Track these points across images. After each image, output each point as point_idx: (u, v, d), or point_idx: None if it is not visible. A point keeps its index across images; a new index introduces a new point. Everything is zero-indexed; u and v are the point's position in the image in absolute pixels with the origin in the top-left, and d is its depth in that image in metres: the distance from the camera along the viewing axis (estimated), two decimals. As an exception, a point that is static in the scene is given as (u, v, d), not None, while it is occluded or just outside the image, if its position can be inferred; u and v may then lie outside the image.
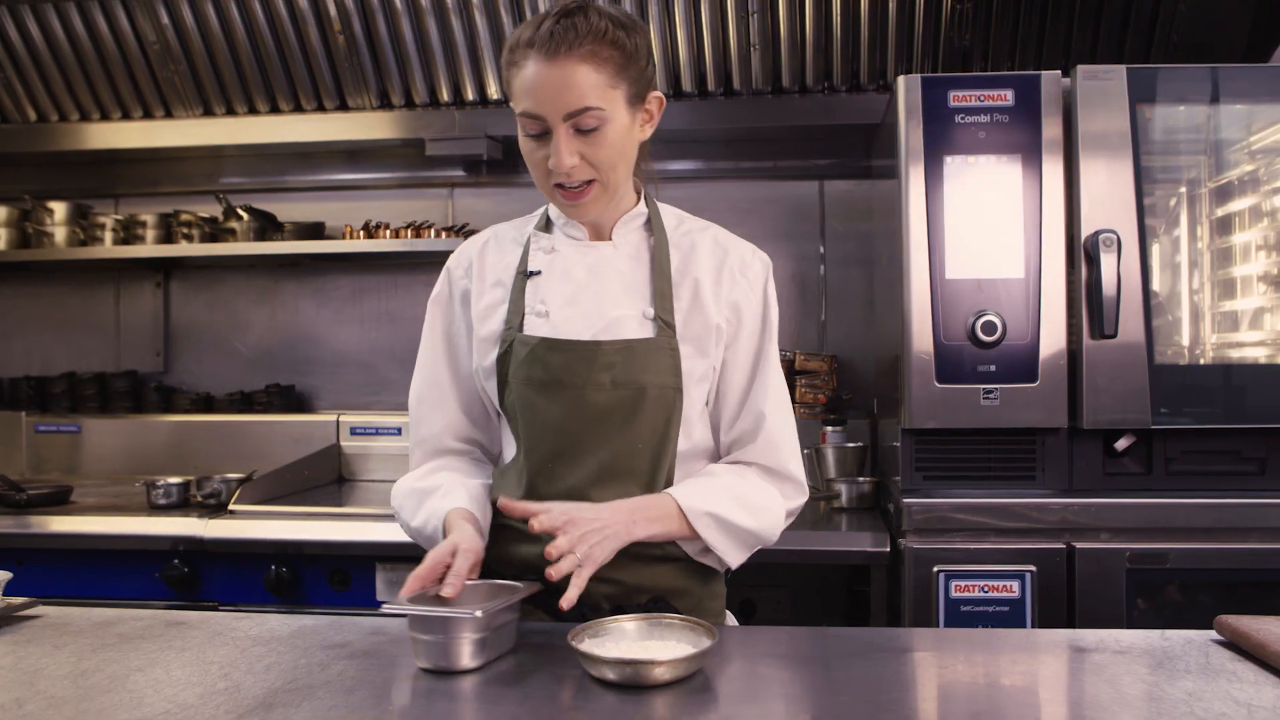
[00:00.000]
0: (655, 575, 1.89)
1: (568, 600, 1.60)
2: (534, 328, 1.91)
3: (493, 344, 1.94)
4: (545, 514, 1.71)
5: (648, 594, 1.88)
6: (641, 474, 1.88)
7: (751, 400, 1.97)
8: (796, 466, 2.00)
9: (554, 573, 1.63)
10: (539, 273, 1.95)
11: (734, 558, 1.91)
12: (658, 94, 1.93)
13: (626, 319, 1.90)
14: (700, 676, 1.54)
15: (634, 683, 1.49)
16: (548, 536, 1.78)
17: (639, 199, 2.02)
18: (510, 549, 1.94)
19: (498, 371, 1.92)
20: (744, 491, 1.92)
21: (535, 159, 1.84)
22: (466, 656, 1.56)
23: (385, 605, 1.60)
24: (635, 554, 1.83)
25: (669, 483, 1.91)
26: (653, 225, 2.01)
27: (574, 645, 1.53)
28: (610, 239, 1.98)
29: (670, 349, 1.89)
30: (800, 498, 2.00)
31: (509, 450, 1.98)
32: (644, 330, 1.90)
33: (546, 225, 2.03)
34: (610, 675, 1.50)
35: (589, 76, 1.77)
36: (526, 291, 1.94)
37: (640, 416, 1.86)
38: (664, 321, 1.90)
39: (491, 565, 1.95)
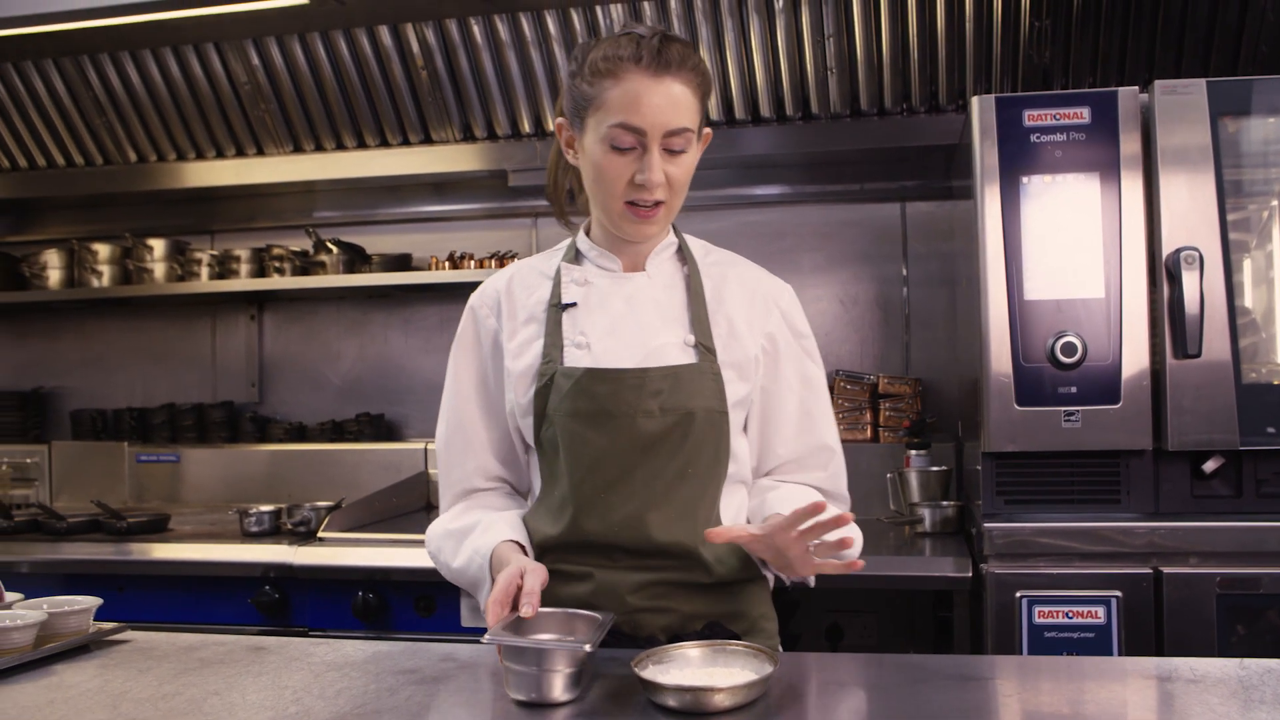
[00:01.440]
0: (710, 602, 1.89)
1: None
2: (575, 359, 1.90)
3: (530, 379, 1.93)
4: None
5: (703, 620, 1.88)
6: (692, 500, 1.88)
7: (816, 432, 2.00)
8: (847, 490, 2.04)
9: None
10: (574, 304, 1.94)
11: (812, 579, 1.89)
12: (709, 130, 1.97)
13: (668, 346, 1.90)
14: (762, 703, 1.53)
15: (695, 710, 1.49)
16: (584, 574, 1.85)
17: (669, 228, 2.03)
18: (555, 590, 1.91)
19: (535, 407, 1.91)
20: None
21: (618, 173, 1.83)
22: (559, 689, 1.55)
23: (486, 636, 1.58)
24: (688, 583, 1.85)
25: (715, 508, 1.91)
26: (684, 254, 2.02)
27: (637, 672, 1.54)
28: (644, 269, 1.98)
29: (714, 373, 1.89)
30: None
31: (539, 487, 1.97)
32: (686, 356, 1.90)
33: (576, 257, 2.02)
34: (671, 702, 1.50)
35: (688, 99, 1.84)
36: (563, 324, 1.93)
37: (690, 442, 1.86)
38: (705, 347, 1.90)
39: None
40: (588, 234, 2.03)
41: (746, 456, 1.99)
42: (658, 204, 1.86)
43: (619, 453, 1.85)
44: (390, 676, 1.71)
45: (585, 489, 1.87)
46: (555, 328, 1.94)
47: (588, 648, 1.54)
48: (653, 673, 1.56)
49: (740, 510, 1.97)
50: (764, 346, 1.97)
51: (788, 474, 2.01)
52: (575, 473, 1.88)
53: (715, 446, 1.89)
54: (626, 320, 1.93)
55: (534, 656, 1.55)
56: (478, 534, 1.91)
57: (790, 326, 2.00)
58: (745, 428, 1.99)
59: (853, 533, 1.76)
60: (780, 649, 2.04)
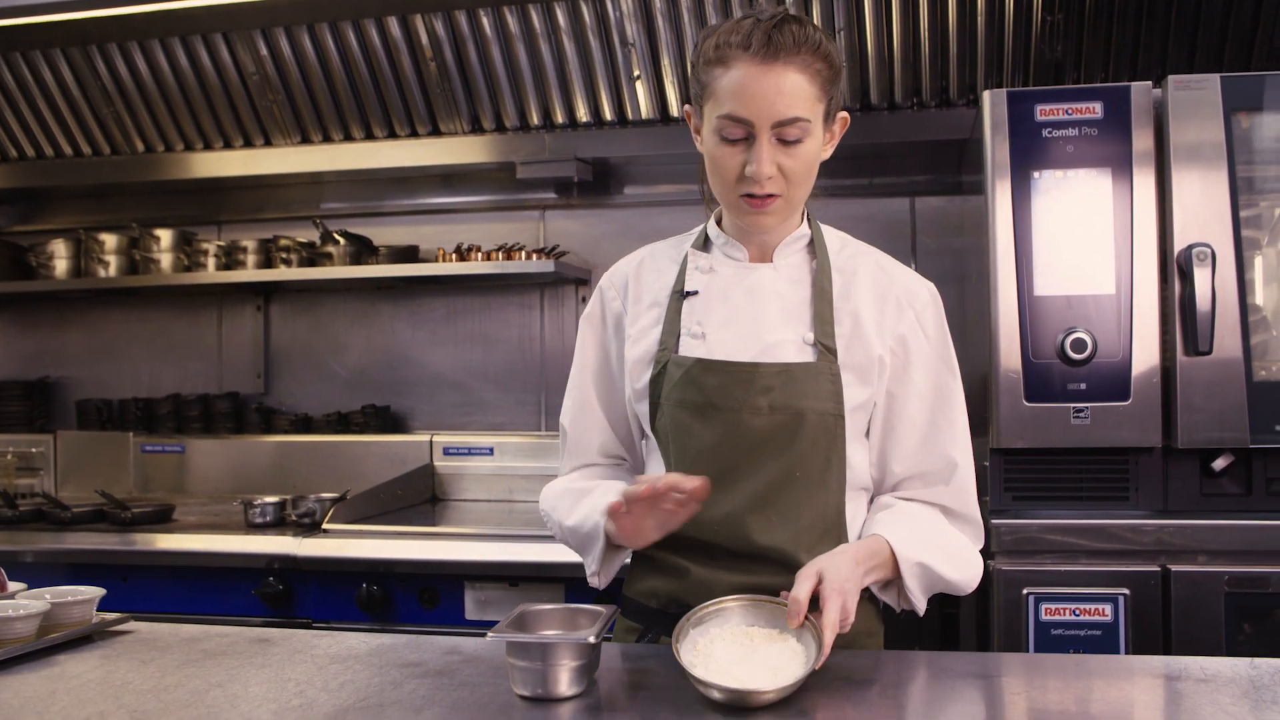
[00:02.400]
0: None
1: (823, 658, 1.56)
2: (689, 349, 1.87)
3: (646, 365, 1.91)
4: (806, 584, 1.63)
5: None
6: (796, 504, 1.82)
7: (940, 444, 1.90)
8: (977, 510, 1.94)
9: (821, 660, 1.55)
10: (696, 293, 1.91)
11: (923, 606, 1.85)
12: (844, 114, 1.89)
13: (785, 343, 1.84)
14: (800, 698, 1.52)
15: (740, 706, 1.48)
16: (681, 568, 1.83)
17: (803, 220, 1.96)
18: (646, 582, 1.92)
19: (650, 394, 1.89)
20: (948, 541, 1.87)
21: (729, 164, 1.79)
22: (565, 684, 1.54)
23: (490, 633, 1.58)
24: (784, 588, 1.77)
25: (836, 516, 1.86)
26: (815, 248, 1.94)
27: (678, 652, 1.53)
28: (771, 260, 1.93)
29: (831, 374, 1.82)
30: (981, 541, 1.94)
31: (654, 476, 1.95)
32: (803, 355, 1.84)
33: (704, 244, 1.99)
34: (716, 697, 1.48)
35: (802, 86, 1.75)
36: (683, 312, 1.90)
37: (798, 443, 1.80)
38: (825, 347, 1.84)
39: (630, 598, 1.96)
40: (719, 222, 1.99)
41: (865, 464, 1.91)
42: (773, 196, 1.79)
43: (723, 448, 1.80)
44: (394, 669, 1.70)
45: None
46: (675, 315, 1.90)
47: (591, 639, 1.53)
48: (691, 657, 1.55)
49: (856, 520, 1.91)
50: (893, 349, 1.88)
51: (909, 489, 1.92)
52: (679, 464, 1.84)
53: (827, 451, 1.83)
54: (745, 312, 1.88)
55: (538, 651, 1.54)
56: (598, 495, 1.89)
57: (925, 330, 1.91)
58: (867, 434, 1.91)
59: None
60: None
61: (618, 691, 1.59)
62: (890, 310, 1.90)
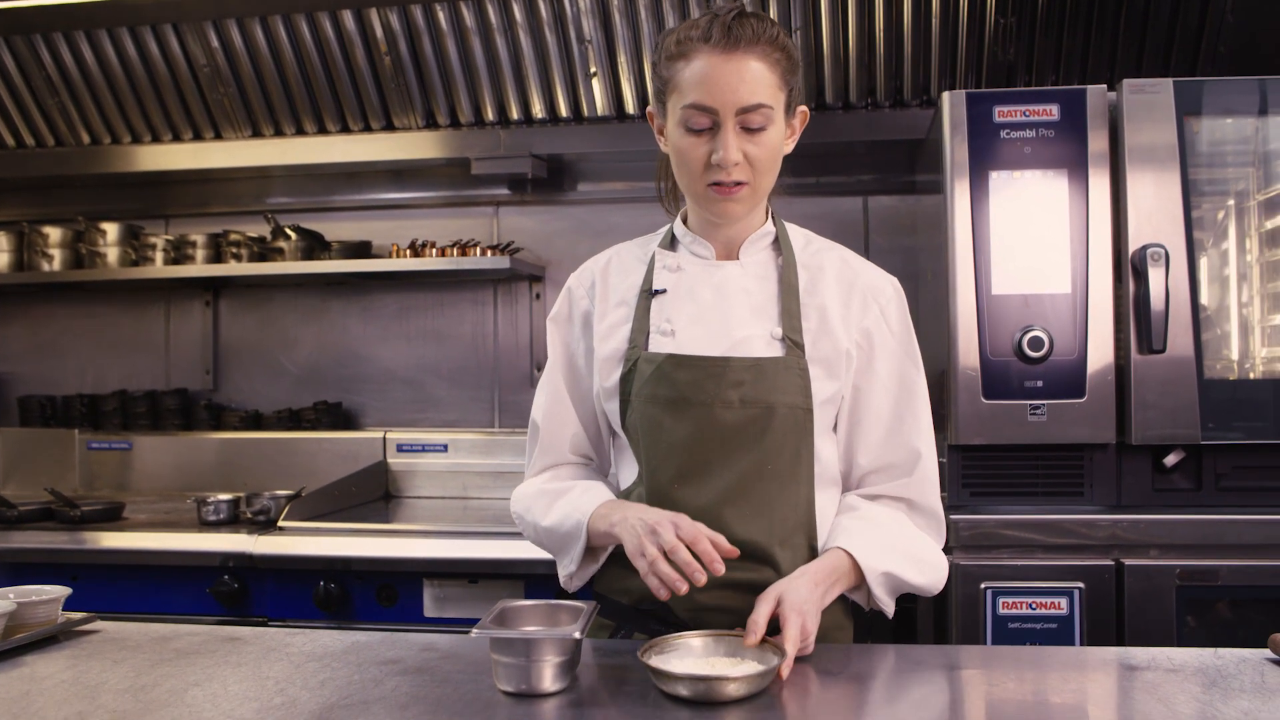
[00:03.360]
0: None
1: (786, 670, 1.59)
2: (659, 345, 1.89)
3: (615, 363, 1.93)
4: (765, 606, 1.67)
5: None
6: (769, 497, 1.84)
7: (903, 435, 1.93)
8: (939, 503, 1.98)
9: (785, 670, 1.58)
10: (664, 291, 1.94)
11: (891, 608, 1.90)
12: (804, 109, 1.93)
13: (754, 339, 1.87)
14: (767, 694, 1.54)
15: (706, 699, 1.50)
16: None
17: (767, 217, 2.00)
18: (619, 580, 1.93)
19: (620, 391, 1.91)
20: (912, 545, 1.90)
21: (695, 154, 1.82)
22: (549, 680, 1.55)
23: (474, 630, 1.58)
24: (758, 583, 1.79)
25: (808, 508, 1.88)
26: (780, 244, 1.98)
27: (645, 661, 1.54)
28: (738, 258, 1.96)
29: (800, 369, 1.85)
30: (943, 537, 1.98)
31: (626, 475, 1.96)
32: (772, 350, 1.87)
33: (671, 243, 2.02)
34: (683, 691, 1.50)
35: (763, 74, 1.79)
36: (651, 310, 1.93)
37: (769, 437, 1.82)
38: (792, 341, 1.87)
39: (603, 594, 1.96)
40: (684, 221, 2.01)
41: (834, 458, 1.95)
42: (740, 184, 1.82)
43: (695, 442, 1.82)
44: (373, 667, 1.70)
45: (661, 477, 1.85)
46: (644, 314, 1.93)
47: (576, 634, 1.54)
48: (659, 662, 1.55)
49: (826, 512, 1.93)
50: (858, 342, 1.92)
51: (874, 483, 1.95)
52: (652, 460, 1.86)
53: (797, 445, 1.85)
54: (714, 309, 1.91)
55: (522, 647, 1.54)
56: (576, 494, 1.90)
57: (889, 323, 1.95)
58: (835, 427, 1.95)
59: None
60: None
61: (600, 687, 1.60)
62: (856, 304, 1.94)
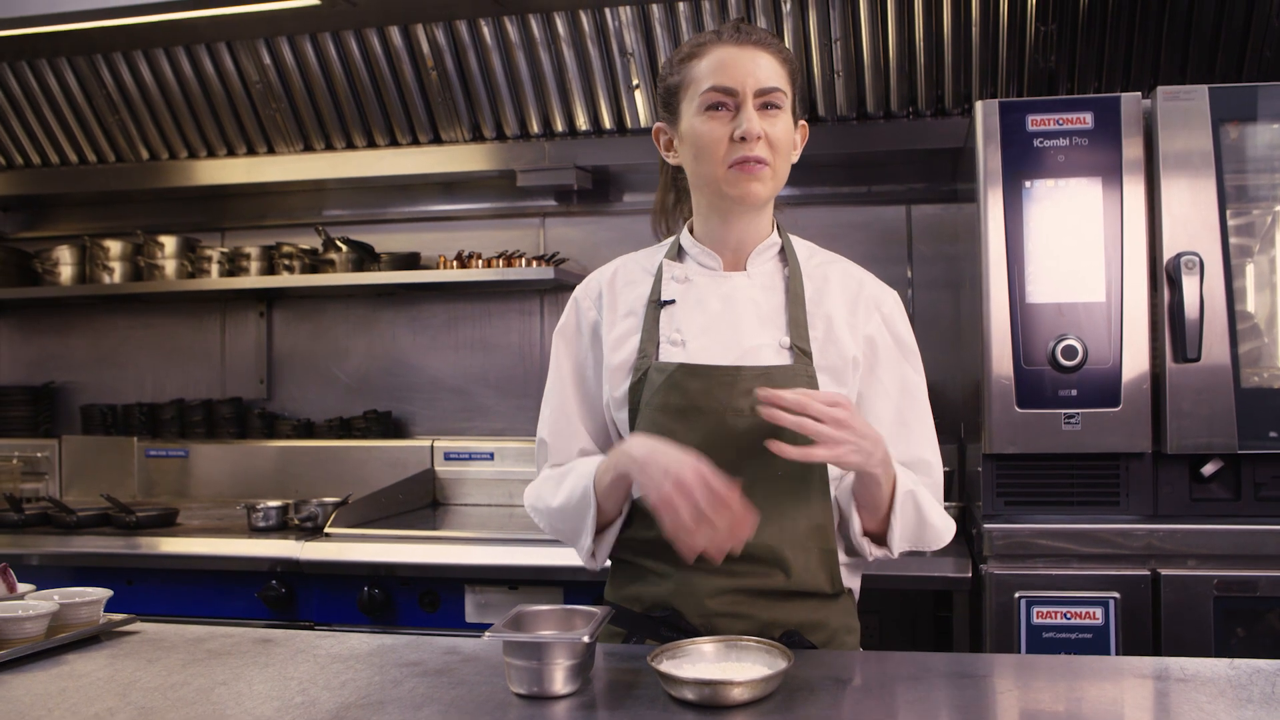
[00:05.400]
0: (789, 611, 1.88)
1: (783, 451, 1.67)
2: (670, 355, 1.92)
3: (625, 373, 1.95)
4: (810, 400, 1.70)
5: (781, 628, 1.86)
6: (779, 503, 1.86)
7: (909, 441, 1.96)
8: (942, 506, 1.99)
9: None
10: (673, 301, 1.97)
11: (898, 544, 1.88)
12: (804, 122, 2.00)
13: (763, 348, 1.90)
14: (777, 698, 1.56)
15: (712, 703, 1.52)
16: (664, 573, 1.86)
17: (773, 228, 2.04)
18: (628, 588, 1.95)
19: (630, 400, 1.93)
20: (929, 494, 1.92)
21: (716, 135, 1.87)
22: (560, 682, 1.58)
23: (488, 633, 1.62)
24: (768, 590, 1.84)
25: (822, 514, 1.90)
26: (786, 255, 2.02)
27: (654, 666, 1.57)
28: (744, 269, 1.99)
29: (808, 376, 1.88)
30: (950, 534, 1.98)
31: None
32: (781, 358, 1.90)
33: (678, 254, 2.05)
34: (690, 695, 1.52)
35: (775, 66, 1.90)
36: (661, 320, 1.95)
37: None
38: (800, 350, 1.90)
39: (612, 603, 1.97)
40: (691, 232, 2.05)
41: None
42: (762, 162, 1.87)
43: (707, 450, 1.80)
44: (394, 669, 1.74)
45: None
46: (653, 324, 1.96)
47: (586, 639, 1.57)
48: (669, 667, 1.58)
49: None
50: (863, 349, 1.95)
51: None
52: None
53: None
54: (723, 319, 1.94)
55: (534, 650, 1.58)
56: (580, 468, 1.92)
57: (892, 332, 1.99)
58: None
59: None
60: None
61: (611, 690, 1.63)
62: (860, 313, 1.98)
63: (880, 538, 1.90)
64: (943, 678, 1.70)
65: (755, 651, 1.66)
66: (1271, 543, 2.65)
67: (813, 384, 1.88)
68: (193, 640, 1.96)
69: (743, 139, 1.85)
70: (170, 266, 4.36)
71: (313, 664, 1.78)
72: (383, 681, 1.67)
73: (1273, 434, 2.68)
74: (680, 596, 1.88)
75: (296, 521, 3.57)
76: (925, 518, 1.88)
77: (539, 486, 2.02)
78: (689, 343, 1.93)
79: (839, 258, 2.08)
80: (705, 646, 1.67)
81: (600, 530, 1.91)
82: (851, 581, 2.00)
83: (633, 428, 1.94)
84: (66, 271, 4.46)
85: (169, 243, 4.37)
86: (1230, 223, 2.74)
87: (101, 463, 4.51)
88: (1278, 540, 2.65)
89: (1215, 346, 2.69)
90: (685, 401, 1.87)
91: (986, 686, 1.67)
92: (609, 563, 1.99)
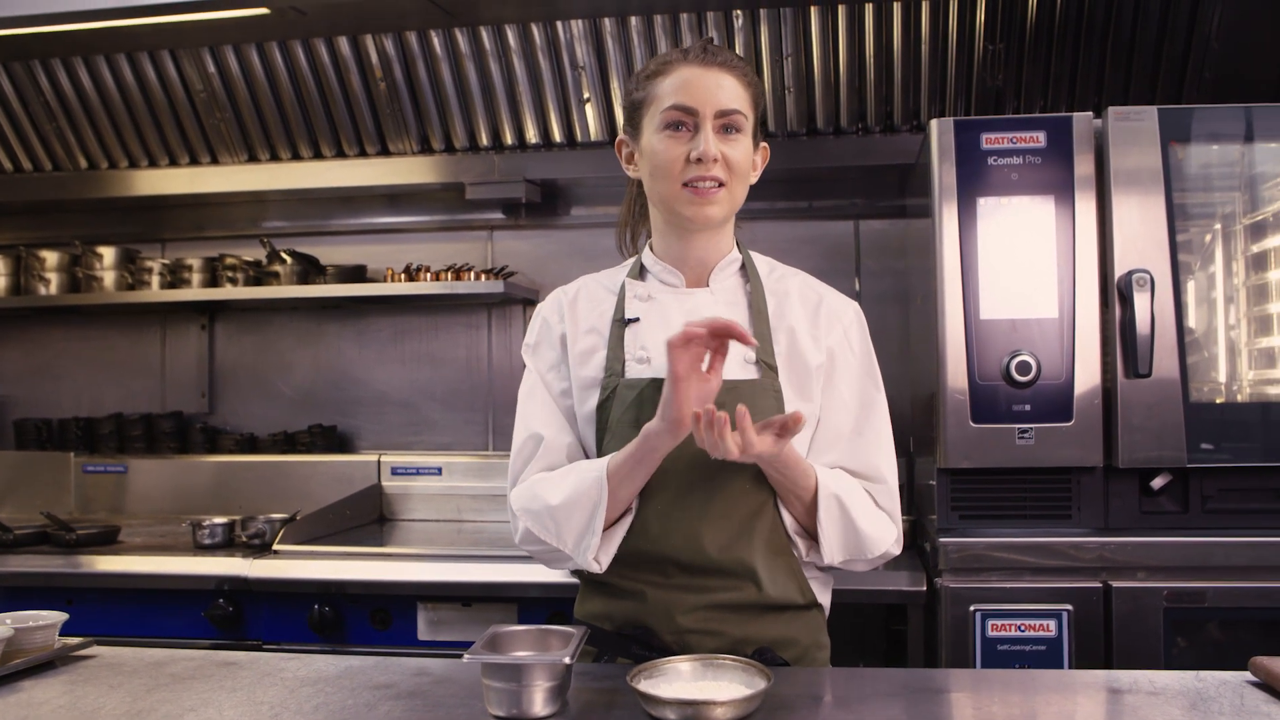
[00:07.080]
0: (761, 627, 1.89)
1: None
2: (637, 373, 1.92)
3: (592, 390, 1.95)
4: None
5: (754, 645, 1.87)
6: (749, 517, 1.88)
7: (864, 451, 1.97)
8: (898, 513, 2.00)
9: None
10: (637, 319, 1.97)
11: (831, 552, 1.88)
12: (765, 145, 2.02)
13: (730, 362, 1.86)
14: (758, 717, 1.56)
15: None
16: (636, 591, 1.86)
17: (734, 245, 2.06)
18: (598, 606, 1.95)
19: (598, 418, 1.94)
20: (866, 501, 1.92)
21: (673, 154, 1.89)
22: (540, 704, 1.56)
23: (466, 655, 1.59)
24: (740, 605, 1.85)
25: (777, 528, 1.91)
26: (748, 271, 2.04)
27: (634, 686, 1.56)
28: (707, 285, 2.01)
29: (774, 390, 1.91)
30: (898, 536, 1.98)
31: None
32: (747, 373, 1.91)
33: (640, 273, 2.06)
34: (671, 715, 1.52)
35: (738, 88, 1.92)
36: (625, 339, 1.96)
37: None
38: (766, 364, 1.92)
39: (587, 622, 1.95)
40: (652, 249, 2.06)
41: None
42: (717, 185, 1.89)
43: (679, 464, 1.84)
44: (365, 692, 1.72)
45: (642, 500, 1.87)
46: (618, 342, 1.96)
47: (566, 660, 1.56)
48: (647, 687, 1.57)
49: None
50: (824, 361, 1.97)
51: None
52: None
53: None
54: None
55: (513, 672, 1.56)
56: (586, 465, 1.89)
57: (851, 344, 2.01)
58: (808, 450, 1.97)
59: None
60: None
61: (589, 711, 1.61)
62: (821, 324, 2.00)
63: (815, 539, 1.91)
64: (921, 693, 1.71)
65: (733, 670, 1.66)
66: (1219, 554, 2.70)
67: (779, 397, 1.91)
68: (153, 664, 1.91)
69: (699, 160, 1.87)
70: (109, 278, 4.27)
71: (281, 688, 1.75)
72: (356, 705, 1.64)
73: (1221, 447, 2.73)
74: (652, 614, 1.88)
75: (244, 539, 3.50)
76: (854, 523, 1.88)
77: (533, 487, 1.93)
78: (654, 359, 1.93)
79: (798, 271, 2.11)
80: (682, 665, 1.67)
81: (607, 527, 1.87)
82: (823, 597, 2.01)
83: (599, 446, 1.93)
84: (0, 282, 4.35)
85: (107, 253, 4.28)
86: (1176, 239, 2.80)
87: (37, 478, 4.40)
88: (1225, 552, 2.70)
89: (1165, 361, 2.74)
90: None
91: (970, 703, 1.68)
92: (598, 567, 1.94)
